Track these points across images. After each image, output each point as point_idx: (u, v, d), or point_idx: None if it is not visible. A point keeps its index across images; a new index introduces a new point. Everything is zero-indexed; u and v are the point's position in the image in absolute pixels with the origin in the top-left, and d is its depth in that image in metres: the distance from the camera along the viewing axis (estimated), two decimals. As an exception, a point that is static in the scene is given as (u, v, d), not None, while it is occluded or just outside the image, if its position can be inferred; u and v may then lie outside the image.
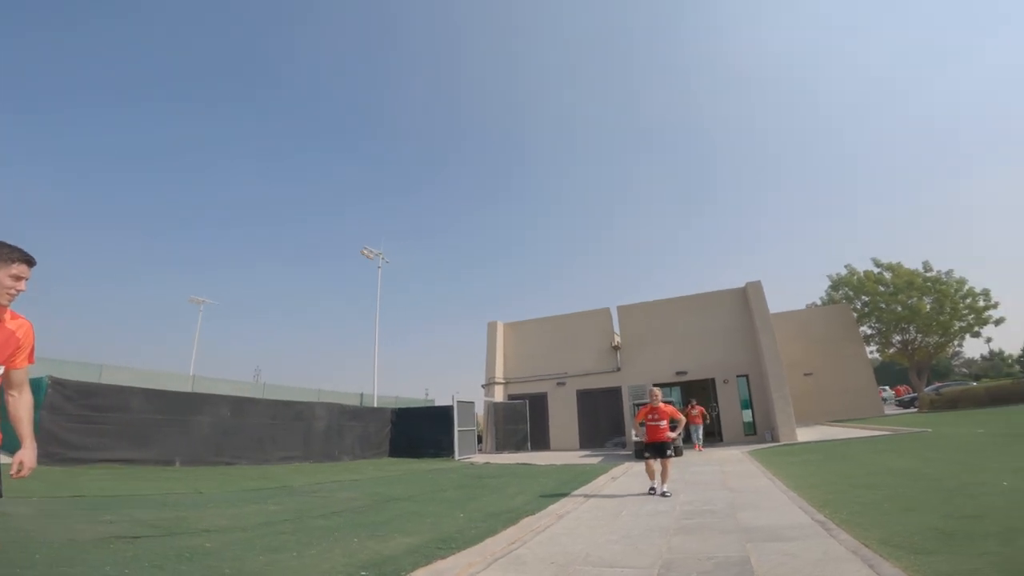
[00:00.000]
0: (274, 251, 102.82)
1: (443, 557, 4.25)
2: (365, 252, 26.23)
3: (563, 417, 19.55)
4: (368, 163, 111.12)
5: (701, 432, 15.41)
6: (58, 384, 9.90)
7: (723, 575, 3.44)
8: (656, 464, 7.21)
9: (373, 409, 18.64)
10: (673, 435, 7.33)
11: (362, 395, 26.55)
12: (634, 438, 13.06)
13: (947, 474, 7.02)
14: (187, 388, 18.45)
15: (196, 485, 8.25)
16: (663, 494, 6.79)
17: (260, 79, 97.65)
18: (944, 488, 6.03)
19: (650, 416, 7.41)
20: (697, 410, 15.29)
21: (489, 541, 4.78)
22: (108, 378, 15.95)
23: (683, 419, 7.62)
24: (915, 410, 25.72)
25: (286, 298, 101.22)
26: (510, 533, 5.11)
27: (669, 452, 7.21)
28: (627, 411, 17.80)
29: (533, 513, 6.19)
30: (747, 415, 17.35)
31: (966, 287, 26.36)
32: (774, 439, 15.65)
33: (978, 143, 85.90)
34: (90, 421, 10.08)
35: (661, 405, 7.49)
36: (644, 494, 7.12)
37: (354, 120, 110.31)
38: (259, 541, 4.69)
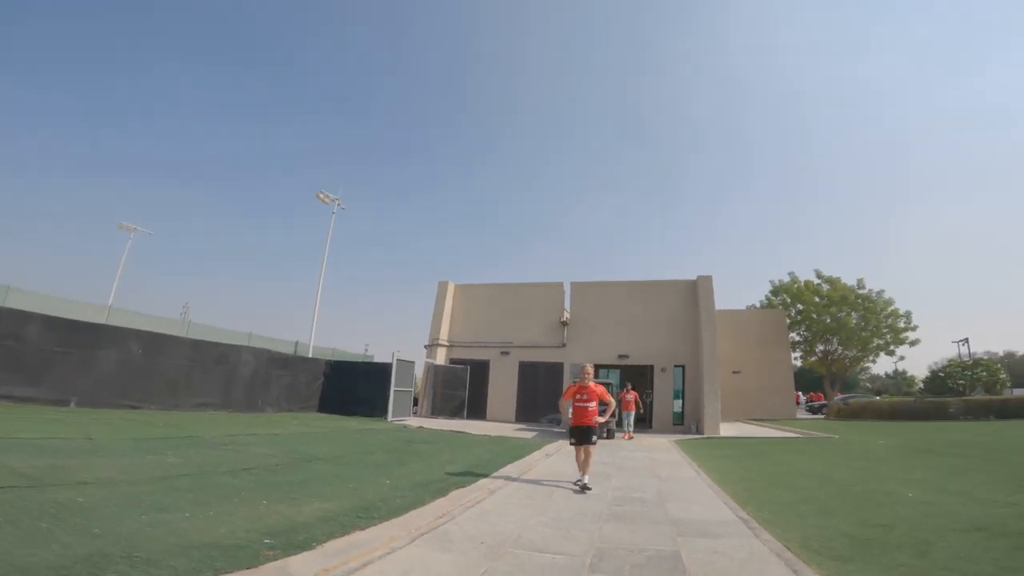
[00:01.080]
0: (224, 185, 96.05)
1: (362, 528, 3.91)
2: (321, 196, 24.76)
3: (503, 387, 19.52)
4: (347, 118, 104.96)
5: (632, 419, 14.46)
6: None
7: (656, 570, 3.31)
8: (582, 452, 6.41)
9: (305, 359, 17.73)
10: (601, 419, 6.58)
11: (296, 343, 25.24)
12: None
13: (855, 480, 7.39)
14: (101, 320, 16.71)
15: (89, 430, 7.39)
16: (583, 487, 6.00)
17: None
18: (854, 494, 6.32)
19: (579, 396, 6.53)
20: (631, 395, 14.51)
21: (414, 513, 4.48)
22: (13, 302, 14.10)
23: (613, 402, 6.77)
24: (823, 416, 27.75)
25: (228, 237, 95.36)
26: (438, 505, 4.84)
27: (594, 438, 6.40)
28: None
29: (464, 486, 5.95)
30: (677, 405, 17.98)
31: (891, 307, 28.34)
32: (699, 431, 16.33)
33: (930, 173, 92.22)
34: None
35: (591, 384, 6.55)
36: (576, 480, 6.39)
37: (341, 80, 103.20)
38: (147, 498, 4.14)
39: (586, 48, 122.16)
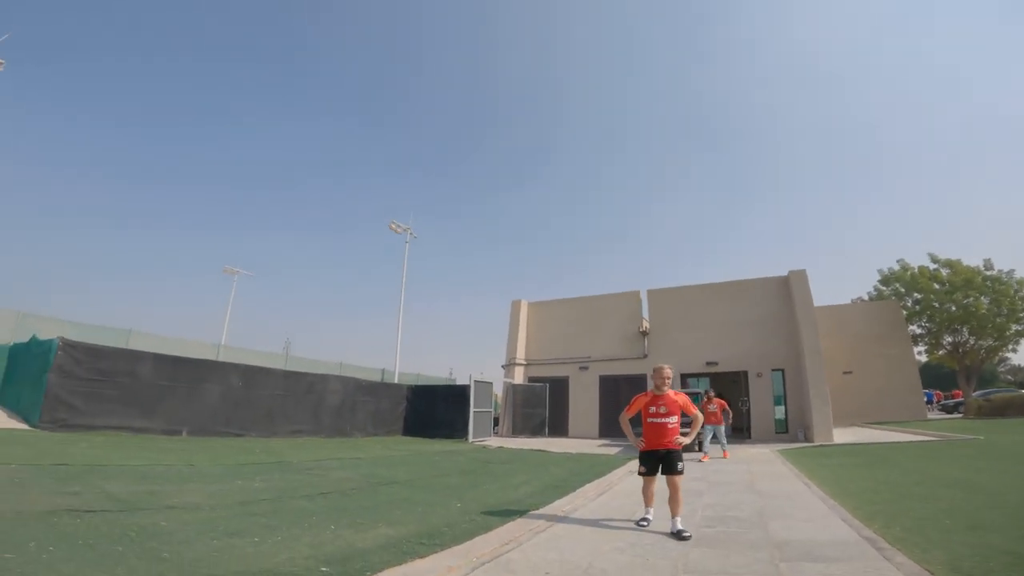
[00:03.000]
0: (305, 223, 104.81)
1: (422, 556, 3.69)
2: (393, 226, 26.03)
3: (584, 403, 18.89)
4: (403, 136, 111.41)
5: (723, 434, 11.35)
6: (69, 346, 9.64)
7: (752, 607, 2.76)
8: (653, 485, 4.80)
9: (388, 385, 18.34)
10: (684, 440, 4.80)
11: (383, 370, 26.47)
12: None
13: (1008, 487, 6.11)
14: (213, 356, 18.46)
15: (191, 457, 7.96)
16: (677, 533, 4.22)
17: (294, 44, 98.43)
18: (1009, 504, 5.17)
19: (652, 408, 4.82)
20: (716, 404, 11.33)
21: (479, 539, 4.20)
22: (135, 344, 15.97)
23: (700, 416, 5.10)
24: (960, 416, 24.03)
25: (319, 271, 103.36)
26: (506, 530, 4.53)
27: (680, 465, 4.64)
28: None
29: (537, 508, 5.59)
30: (779, 412, 16.31)
31: (1027, 287, 24.21)
32: (807, 439, 14.64)
33: None
34: (98, 386, 9.81)
35: (670, 393, 4.84)
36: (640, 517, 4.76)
37: (388, 94, 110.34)
38: (223, 522, 4.25)
39: (632, 48, 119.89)
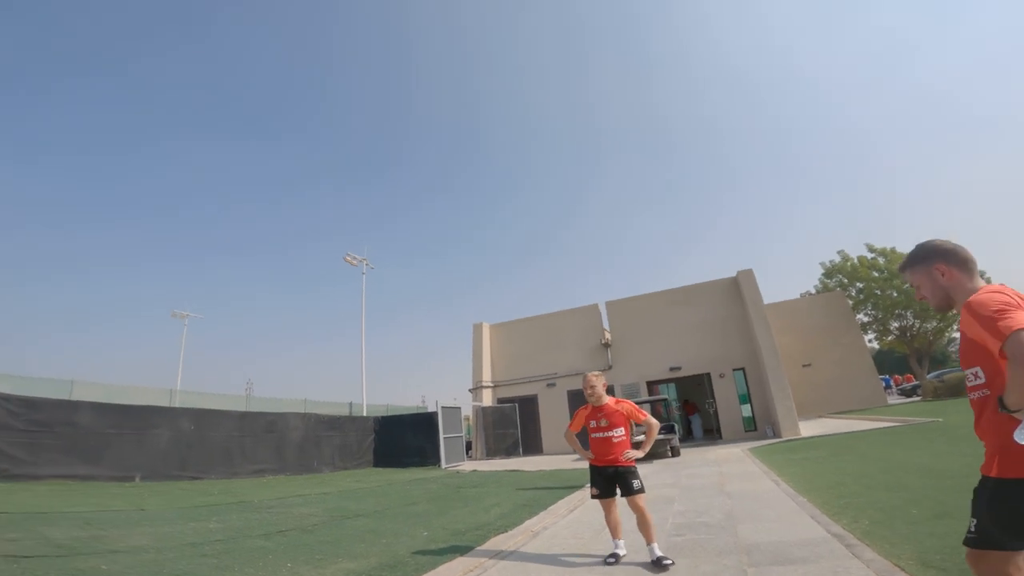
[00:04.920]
0: (262, 267, 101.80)
1: (381, 590, 3.49)
2: (348, 259, 25.55)
3: (555, 419, 18.74)
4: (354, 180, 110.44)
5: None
6: (2, 399, 9.22)
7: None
8: (614, 509, 4.08)
9: (354, 418, 17.80)
10: (636, 453, 4.08)
11: (351, 404, 25.63)
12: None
13: (970, 470, 6.18)
14: (166, 402, 17.48)
15: (143, 501, 7.44)
16: (657, 561, 3.65)
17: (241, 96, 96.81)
18: (971, 488, 5.29)
19: (592, 423, 4.19)
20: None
21: (443, 567, 4.01)
22: (79, 394, 14.97)
23: (655, 423, 4.24)
24: (919, 399, 24.98)
25: (278, 312, 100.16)
26: (473, 556, 4.34)
27: (636, 484, 3.96)
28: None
29: (506, 530, 5.41)
30: (746, 410, 16.63)
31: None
32: (776, 434, 14.94)
33: (971, 125, 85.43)
34: (37, 436, 9.40)
35: (610, 402, 4.17)
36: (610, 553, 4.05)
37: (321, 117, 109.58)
38: (169, 564, 3.97)
39: (583, 58, 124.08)
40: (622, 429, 4.11)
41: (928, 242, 1.86)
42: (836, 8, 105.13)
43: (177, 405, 15.91)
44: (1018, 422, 1.41)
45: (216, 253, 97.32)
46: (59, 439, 9.67)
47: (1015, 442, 1.42)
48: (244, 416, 13.44)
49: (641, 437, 4.50)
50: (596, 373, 4.27)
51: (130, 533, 5.11)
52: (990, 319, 1.47)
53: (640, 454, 4.08)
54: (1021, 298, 1.52)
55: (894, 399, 28.50)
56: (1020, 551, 1.60)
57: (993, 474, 1.59)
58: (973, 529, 1.67)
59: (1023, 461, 1.49)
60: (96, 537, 4.80)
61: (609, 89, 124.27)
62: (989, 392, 1.59)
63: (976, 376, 1.65)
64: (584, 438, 4.37)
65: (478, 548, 4.60)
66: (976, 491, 1.69)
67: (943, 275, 1.79)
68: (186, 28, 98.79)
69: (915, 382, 29.69)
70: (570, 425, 4.48)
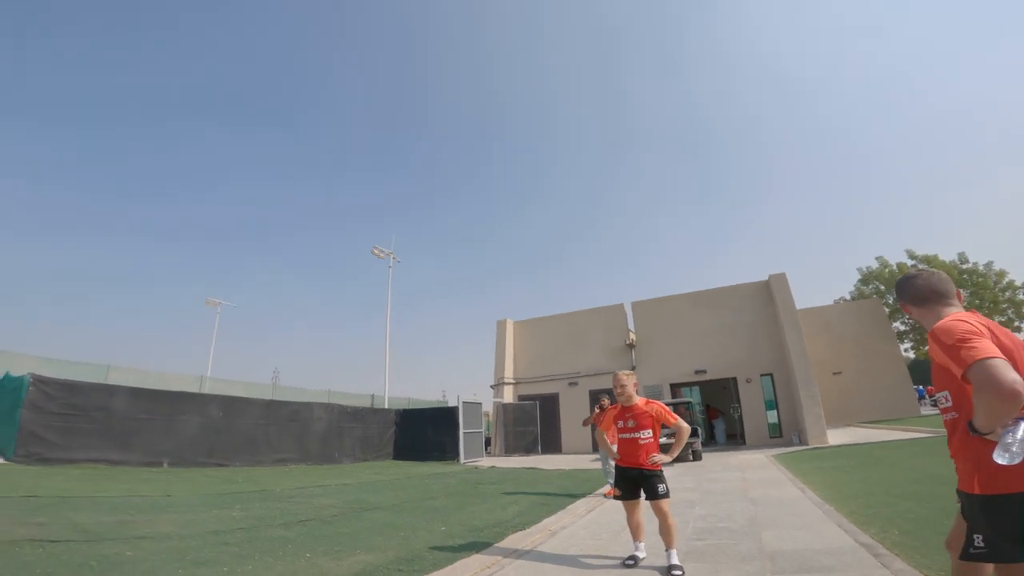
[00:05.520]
0: (288, 256, 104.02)
1: (398, 583, 3.51)
2: (376, 251, 25.85)
3: (575, 418, 18.64)
4: (383, 170, 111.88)
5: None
6: (39, 382, 9.47)
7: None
8: (637, 512, 4.07)
9: (376, 410, 17.97)
10: (663, 458, 3.95)
11: (373, 396, 25.99)
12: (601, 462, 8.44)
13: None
14: (196, 389, 17.98)
15: (169, 488, 7.66)
16: (669, 569, 3.57)
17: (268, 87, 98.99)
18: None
19: (622, 423, 4.11)
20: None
21: (460, 563, 4.01)
22: (114, 379, 15.52)
23: (685, 426, 4.04)
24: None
25: (306, 303, 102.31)
26: (490, 553, 4.34)
27: (662, 488, 3.86)
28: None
29: (524, 527, 5.39)
30: (772, 416, 16.20)
31: (1006, 279, 24.61)
32: (802, 442, 14.53)
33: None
34: (73, 420, 9.62)
35: (639, 403, 4.09)
36: (629, 555, 4.00)
37: (370, 127, 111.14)
38: (192, 552, 4.05)
39: (615, 53, 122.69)
40: (650, 431, 4.00)
41: (897, 281, 2.02)
42: (889, 9, 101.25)
43: (205, 392, 16.39)
44: (993, 444, 1.48)
45: (246, 240, 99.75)
46: (93, 423, 9.87)
47: (989, 462, 1.51)
48: (270, 405, 13.65)
49: (669, 440, 4.36)
50: (627, 372, 4.21)
51: (156, 519, 5.25)
52: (953, 347, 1.55)
53: (668, 459, 3.95)
54: (987, 326, 1.60)
55: (927, 410, 27.48)
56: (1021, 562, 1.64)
57: (977, 491, 1.66)
58: (981, 543, 1.68)
59: (1002, 478, 1.57)
60: (122, 523, 4.93)
61: (642, 86, 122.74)
62: (957, 415, 1.70)
63: (946, 399, 1.76)
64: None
65: (495, 545, 4.59)
66: (964, 509, 1.76)
67: (913, 315, 1.96)
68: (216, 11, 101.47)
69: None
70: (601, 424, 4.42)
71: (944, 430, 1.85)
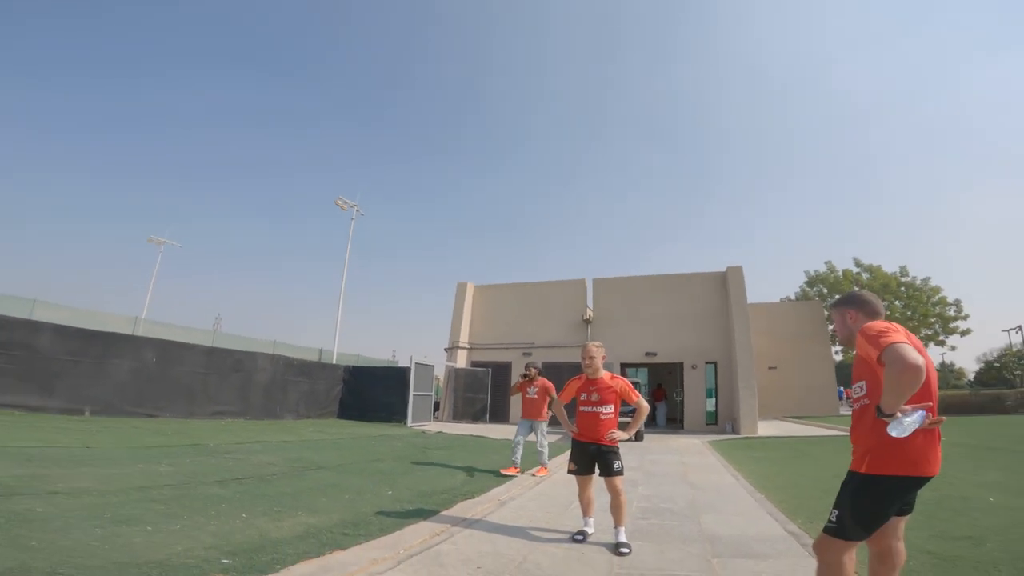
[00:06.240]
0: (249, 200, 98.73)
1: (343, 548, 3.40)
2: (339, 202, 25.04)
3: (525, 390, 18.90)
4: (358, 123, 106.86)
5: (543, 432, 7.86)
6: None
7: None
8: (589, 487, 4.05)
9: (324, 365, 17.51)
10: (621, 435, 3.93)
11: (321, 350, 25.31)
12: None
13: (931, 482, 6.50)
14: (129, 331, 16.80)
15: (91, 439, 7.12)
16: (616, 546, 3.60)
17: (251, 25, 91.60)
18: (924, 500, 5.40)
19: (583, 395, 4.03)
20: (540, 386, 7.70)
21: (409, 529, 3.94)
22: (40, 315, 14.24)
23: (645, 405, 4.06)
24: (871, 412, 26.05)
25: (256, 248, 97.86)
26: (438, 520, 4.29)
27: (617, 465, 3.84)
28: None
29: (473, 496, 5.39)
30: (711, 404, 17.02)
31: (938, 296, 26.62)
32: (735, 431, 15.37)
33: (980, 157, 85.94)
34: None
35: (605, 377, 4.03)
36: (578, 530, 4.03)
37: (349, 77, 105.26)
38: (113, 509, 3.75)
39: (610, 47, 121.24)
40: (612, 407, 3.95)
41: (850, 293, 2.37)
42: (877, 27, 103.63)
43: (140, 334, 15.34)
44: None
45: (200, 178, 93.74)
46: (12, 363, 8.93)
47: (885, 441, 1.83)
48: (211, 352, 12.88)
49: (626, 419, 4.38)
50: (597, 344, 4.14)
51: (73, 473, 4.85)
52: (875, 337, 1.87)
53: (625, 436, 3.96)
54: (906, 334, 1.87)
55: (845, 410, 29.77)
56: (858, 543, 1.99)
57: (862, 471, 1.96)
58: (834, 519, 2.00)
59: (887, 460, 1.88)
60: (36, 476, 4.53)
61: (626, 70, 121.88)
62: (869, 402, 1.99)
63: (861, 388, 2.07)
64: (572, 412, 4.24)
65: (444, 513, 4.55)
66: (843, 485, 2.06)
67: (852, 320, 2.25)
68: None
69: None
70: (560, 395, 4.30)
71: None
